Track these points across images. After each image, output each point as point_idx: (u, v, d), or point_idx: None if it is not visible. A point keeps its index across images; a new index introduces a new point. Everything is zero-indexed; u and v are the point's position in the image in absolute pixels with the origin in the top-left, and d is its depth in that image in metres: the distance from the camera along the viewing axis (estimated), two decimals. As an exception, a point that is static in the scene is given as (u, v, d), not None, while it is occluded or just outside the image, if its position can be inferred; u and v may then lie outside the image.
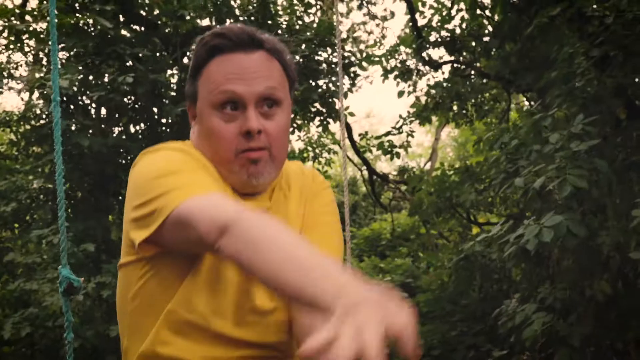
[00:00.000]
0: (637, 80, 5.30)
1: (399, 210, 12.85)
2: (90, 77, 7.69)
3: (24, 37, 7.86)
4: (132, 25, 8.63)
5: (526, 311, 4.71)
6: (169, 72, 8.58)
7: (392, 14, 13.26)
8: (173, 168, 1.34)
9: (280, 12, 8.17)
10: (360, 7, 12.56)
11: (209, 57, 1.45)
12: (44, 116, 7.84)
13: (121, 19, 8.43)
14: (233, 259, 1.13)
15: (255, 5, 7.66)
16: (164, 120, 8.52)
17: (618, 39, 5.05)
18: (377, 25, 16.01)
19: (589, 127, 4.56)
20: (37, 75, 9.48)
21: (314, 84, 7.96)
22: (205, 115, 1.44)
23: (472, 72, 8.70)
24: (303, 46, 7.78)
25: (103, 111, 8.22)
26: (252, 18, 7.77)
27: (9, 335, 6.83)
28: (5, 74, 8.18)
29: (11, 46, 8.17)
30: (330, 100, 8.13)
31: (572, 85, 4.91)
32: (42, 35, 7.85)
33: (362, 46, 11.05)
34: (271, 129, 1.42)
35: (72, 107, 7.56)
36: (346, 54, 7.98)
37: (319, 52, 7.88)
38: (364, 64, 8.37)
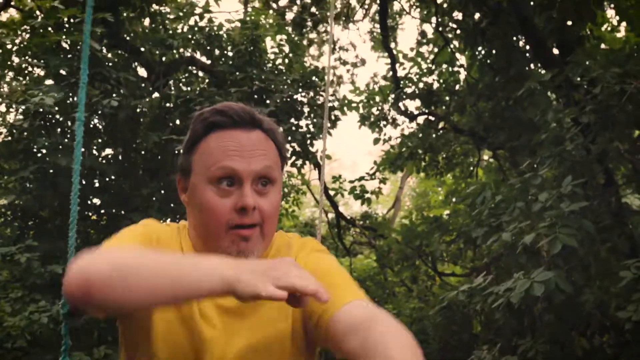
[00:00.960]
0: (618, 146, 5.60)
1: (354, 254, 12.95)
2: (73, 98, 7.61)
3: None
4: (117, 49, 8.63)
5: (508, 362, 4.86)
6: (149, 99, 8.57)
7: (363, 61, 13.59)
8: (117, 237, 1.41)
9: (269, 52, 8.31)
10: (333, 52, 12.85)
11: (207, 132, 1.46)
12: (17, 132, 7.65)
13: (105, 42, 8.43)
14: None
15: (245, 43, 7.77)
16: (137, 146, 8.49)
17: (603, 108, 5.37)
18: (347, 71, 16.31)
19: (577, 189, 4.81)
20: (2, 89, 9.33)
21: (296, 122, 8.08)
22: (199, 189, 1.43)
23: (446, 125, 8.99)
24: (286, 87, 7.93)
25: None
26: (240, 54, 7.88)
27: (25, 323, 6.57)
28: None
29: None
30: (308, 142, 8.25)
31: (562, 148, 5.17)
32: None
33: (338, 89, 11.29)
34: (265, 207, 1.42)
35: (47, 125, 7.42)
36: (330, 98, 8.16)
37: (303, 94, 8.04)
38: (345, 109, 8.56)
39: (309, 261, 1.48)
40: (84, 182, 7.85)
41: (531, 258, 5.05)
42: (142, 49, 8.68)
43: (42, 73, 8.04)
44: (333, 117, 8.25)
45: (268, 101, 7.42)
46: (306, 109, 8.19)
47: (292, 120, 7.91)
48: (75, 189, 2.24)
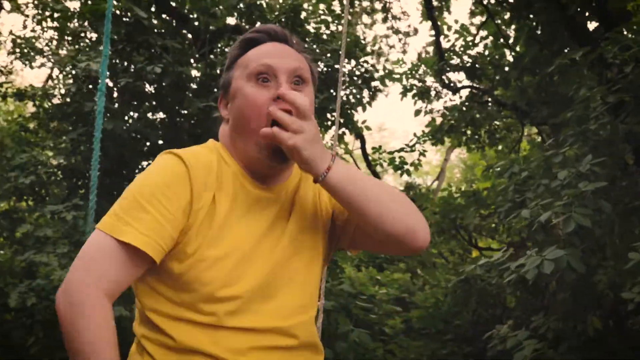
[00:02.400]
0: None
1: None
2: (118, 63, 7.88)
3: (55, 15, 8.06)
4: (163, 15, 8.84)
5: (518, 337, 4.90)
6: (195, 66, 8.77)
7: (416, 30, 13.46)
8: (147, 200, 1.42)
9: (309, 20, 8.36)
10: (385, 20, 12.79)
11: (247, 49, 1.60)
12: (69, 95, 8.00)
13: (153, 9, 8.64)
14: None
15: (286, 10, 7.86)
16: (184, 112, 8.71)
17: (635, 87, 5.25)
18: (400, 40, 16.20)
19: (597, 168, 4.75)
20: (61, 52, 9.72)
21: (334, 93, 8.14)
22: (239, 89, 1.55)
23: (489, 99, 8.89)
24: (328, 55, 7.98)
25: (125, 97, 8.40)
26: (282, 21, 7.97)
27: (14, 303, 7.01)
28: (33, 50, 8.37)
29: (43, 23, 8.39)
30: (348, 111, 8.31)
31: (585, 127, 5.10)
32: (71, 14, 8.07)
33: (382, 60, 11.25)
34: (300, 103, 1.48)
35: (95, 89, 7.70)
36: (368, 68, 8.17)
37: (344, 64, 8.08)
38: (386, 80, 8.55)
39: None
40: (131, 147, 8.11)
41: (549, 236, 5.04)
42: (191, 16, 8.87)
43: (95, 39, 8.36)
44: (373, 89, 8.27)
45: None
46: (347, 79, 8.24)
47: (331, 91, 7.97)
48: (95, 156, 2.42)
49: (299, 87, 1.55)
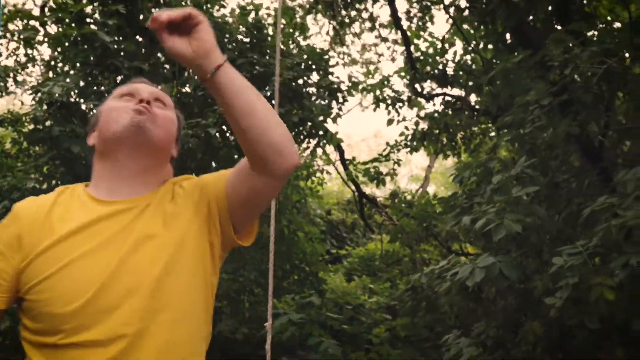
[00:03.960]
0: (597, 129, 5.44)
1: (388, 232, 13.00)
2: (86, 86, 8.00)
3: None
4: (136, 36, 8.95)
5: (460, 344, 4.89)
6: (166, 85, 8.88)
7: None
8: None
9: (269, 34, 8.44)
10: (372, 29, 12.83)
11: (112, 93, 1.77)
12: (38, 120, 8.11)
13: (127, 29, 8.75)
14: None
15: (250, 28, 7.94)
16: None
17: (575, 89, 5.23)
18: (388, 48, 16.17)
19: (529, 171, 4.73)
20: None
21: (305, 103, 8.17)
22: (104, 110, 1.68)
23: (463, 105, 8.87)
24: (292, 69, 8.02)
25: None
26: (247, 39, 8.05)
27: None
28: (9, 77, 8.54)
29: (18, 51, 8.58)
30: (319, 123, 8.34)
31: (517, 132, 5.10)
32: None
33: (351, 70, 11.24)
34: (159, 113, 1.66)
35: (59, 113, 7.80)
36: (334, 79, 8.21)
37: (309, 76, 8.13)
38: (352, 91, 8.56)
39: (195, 178, 1.72)
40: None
41: (489, 242, 5.02)
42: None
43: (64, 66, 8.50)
44: (341, 99, 8.29)
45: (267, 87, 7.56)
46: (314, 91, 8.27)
47: (299, 103, 8.00)
48: None
49: (160, 105, 1.69)
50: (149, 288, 1.48)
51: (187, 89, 8.59)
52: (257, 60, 7.77)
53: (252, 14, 8.14)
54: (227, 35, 7.82)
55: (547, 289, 4.53)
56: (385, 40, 13.43)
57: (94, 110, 1.85)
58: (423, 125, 8.97)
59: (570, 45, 5.45)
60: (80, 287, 1.45)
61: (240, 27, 8.17)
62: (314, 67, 8.28)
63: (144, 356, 1.44)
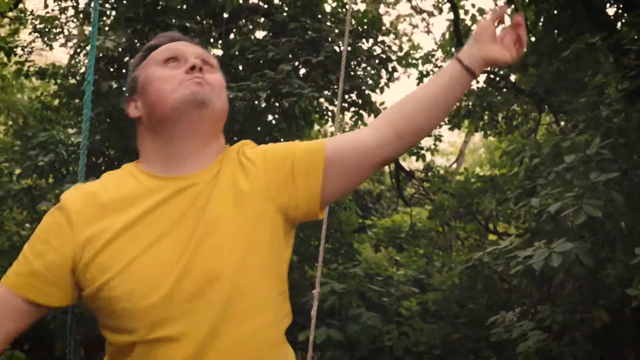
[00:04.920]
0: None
1: (421, 204, 12.96)
2: (137, 42, 7.90)
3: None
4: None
5: (524, 327, 4.88)
6: (214, 45, 8.77)
7: (440, 10, 13.28)
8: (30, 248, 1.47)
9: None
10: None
11: (148, 53, 1.59)
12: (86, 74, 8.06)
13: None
14: None
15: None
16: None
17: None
18: (423, 20, 15.97)
19: (605, 152, 4.66)
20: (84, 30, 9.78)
21: (352, 73, 8.08)
22: (149, 75, 1.52)
23: (506, 85, 8.76)
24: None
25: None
26: (298, 3, 7.92)
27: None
28: (56, 30, 8.43)
29: (62, 3, 8.45)
30: (365, 92, 8.25)
31: (597, 112, 5.02)
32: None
33: (403, 40, 11.11)
34: (210, 78, 1.50)
35: (112, 68, 7.74)
36: (385, 48, 8.09)
37: (360, 43, 8.00)
38: (402, 62, 8.43)
39: (260, 148, 1.59)
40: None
41: (558, 226, 4.98)
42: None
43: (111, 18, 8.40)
44: (390, 69, 8.18)
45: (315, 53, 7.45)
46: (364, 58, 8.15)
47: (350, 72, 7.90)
48: (85, 134, 2.41)
49: (208, 68, 1.54)
50: (229, 273, 1.39)
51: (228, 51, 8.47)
52: (309, 25, 7.64)
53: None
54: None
55: (621, 278, 4.49)
56: (421, 12, 13.25)
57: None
58: (465, 102, 8.86)
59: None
60: (157, 278, 1.36)
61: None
62: (364, 34, 8.15)
63: (227, 343, 1.38)
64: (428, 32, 13.05)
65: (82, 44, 8.12)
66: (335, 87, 7.71)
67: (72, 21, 8.75)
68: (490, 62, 1.62)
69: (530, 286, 5.30)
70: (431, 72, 9.16)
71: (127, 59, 8.06)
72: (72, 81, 8.77)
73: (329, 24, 8.00)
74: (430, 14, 13.22)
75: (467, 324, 8.34)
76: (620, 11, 6.34)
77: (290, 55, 7.46)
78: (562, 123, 8.62)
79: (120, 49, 7.54)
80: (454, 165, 13.67)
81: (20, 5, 9.79)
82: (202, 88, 1.47)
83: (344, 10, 8.35)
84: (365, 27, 8.04)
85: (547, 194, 5.03)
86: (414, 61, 9.14)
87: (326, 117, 8.55)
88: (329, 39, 7.55)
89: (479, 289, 6.24)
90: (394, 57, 8.19)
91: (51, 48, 8.68)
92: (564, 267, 4.38)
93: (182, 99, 1.44)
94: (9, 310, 1.42)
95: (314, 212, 1.52)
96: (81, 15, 8.68)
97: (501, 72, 9.06)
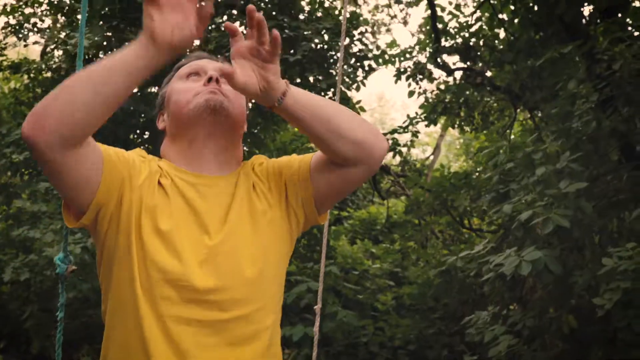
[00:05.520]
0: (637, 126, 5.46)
1: (397, 196, 13.04)
2: (112, 38, 7.86)
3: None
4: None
5: (495, 331, 5.00)
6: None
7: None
8: None
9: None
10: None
11: (176, 71, 1.74)
12: (61, 70, 8.01)
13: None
14: None
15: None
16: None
17: (622, 84, 5.22)
18: (401, 10, 15.93)
19: (574, 165, 4.77)
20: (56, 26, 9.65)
21: (332, 72, 8.09)
22: (172, 89, 1.67)
23: (482, 80, 8.84)
24: (323, 33, 7.91)
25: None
26: (275, 1, 7.91)
27: (8, 278, 7.13)
28: (28, 26, 8.34)
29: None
30: (342, 90, 8.28)
31: (568, 124, 5.11)
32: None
33: (378, 37, 11.08)
34: (226, 88, 1.61)
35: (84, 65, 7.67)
36: (361, 47, 8.13)
37: (336, 42, 8.00)
38: (380, 60, 8.43)
39: (264, 166, 1.72)
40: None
41: (529, 233, 5.09)
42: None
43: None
44: (367, 67, 8.22)
45: (293, 51, 7.46)
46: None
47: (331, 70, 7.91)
48: None
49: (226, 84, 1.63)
50: (242, 281, 1.52)
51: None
52: (287, 24, 7.64)
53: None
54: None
55: (589, 286, 4.62)
56: (399, 1, 13.24)
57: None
58: (441, 97, 8.92)
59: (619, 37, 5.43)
60: (181, 257, 1.48)
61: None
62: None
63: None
64: (405, 23, 13.03)
65: (56, 39, 8.04)
66: (314, 84, 7.74)
67: (45, 14, 8.62)
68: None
69: (502, 290, 5.41)
70: (409, 69, 9.21)
71: (102, 55, 8.00)
72: (47, 75, 8.69)
73: (305, 21, 7.99)
74: (408, 4, 13.23)
75: (441, 318, 8.47)
76: (595, 15, 6.40)
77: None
78: (536, 120, 8.73)
79: (95, 46, 7.49)
80: (431, 158, 13.76)
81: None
82: (215, 96, 1.60)
83: (320, 8, 8.35)
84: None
85: (518, 200, 5.14)
86: (392, 58, 9.16)
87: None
88: (306, 37, 7.56)
89: (454, 290, 6.35)
90: (370, 55, 8.21)
91: (26, 45, 8.57)
92: (532, 274, 4.49)
93: (197, 107, 1.59)
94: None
95: (314, 218, 1.68)
96: (53, 10, 8.56)
97: (477, 68, 9.14)
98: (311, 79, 7.60)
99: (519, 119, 9.74)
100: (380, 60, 8.85)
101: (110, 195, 1.49)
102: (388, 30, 12.16)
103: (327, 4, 8.48)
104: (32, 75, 8.70)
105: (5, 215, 8.19)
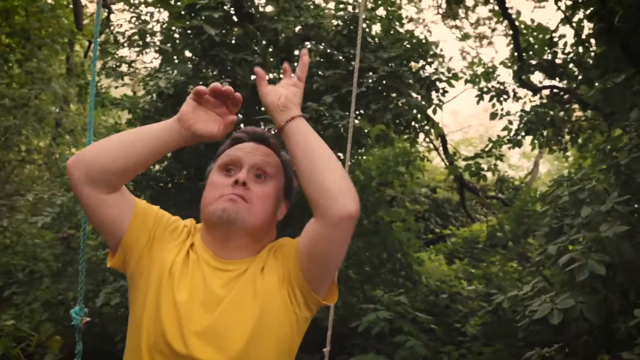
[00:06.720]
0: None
1: (494, 214, 12.64)
2: (193, 76, 8.25)
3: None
4: (242, 22, 9.07)
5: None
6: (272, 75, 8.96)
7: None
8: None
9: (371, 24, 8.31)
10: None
11: (232, 145, 1.90)
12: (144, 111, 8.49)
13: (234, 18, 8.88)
14: None
15: (346, 18, 7.89)
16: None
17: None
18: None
19: (620, 208, 4.51)
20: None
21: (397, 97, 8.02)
22: (208, 181, 1.84)
23: (571, 98, 8.44)
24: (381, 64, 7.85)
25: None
26: (345, 31, 7.99)
27: (101, 302, 7.70)
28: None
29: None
30: (418, 115, 8.21)
31: (616, 161, 4.83)
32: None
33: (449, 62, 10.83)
34: (256, 190, 1.78)
35: (168, 104, 8.10)
36: (432, 70, 8.03)
37: (408, 66, 7.96)
38: (452, 81, 8.23)
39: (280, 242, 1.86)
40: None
41: (572, 277, 4.85)
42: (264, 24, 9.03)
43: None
44: (441, 90, 8.09)
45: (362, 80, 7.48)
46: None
47: (394, 94, 7.85)
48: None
49: (259, 179, 1.82)
50: (237, 349, 1.65)
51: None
52: (354, 55, 7.69)
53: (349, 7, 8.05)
54: (323, 32, 7.79)
55: (630, 334, 4.36)
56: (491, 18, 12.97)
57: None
58: (524, 119, 8.60)
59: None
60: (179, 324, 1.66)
61: (336, 21, 8.12)
62: (415, 55, 8.09)
63: None
64: (507, 35, 12.60)
65: (147, 78, 8.58)
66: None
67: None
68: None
69: (546, 335, 5.20)
70: (492, 89, 8.96)
71: (188, 92, 8.42)
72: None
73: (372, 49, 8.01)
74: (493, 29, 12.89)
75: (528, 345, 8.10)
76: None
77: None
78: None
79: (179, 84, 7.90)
80: (529, 177, 13.23)
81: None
82: (234, 205, 1.74)
83: (392, 32, 8.31)
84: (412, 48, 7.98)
85: (564, 240, 4.93)
86: (474, 78, 8.95)
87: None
88: (372, 66, 7.60)
89: (503, 330, 6.14)
90: (443, 78, 8.07)
91: (116, 88, 9.24)
92: (565, 321, 4.30)
93: (213, 214, 1.74)
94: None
95: (311, 297, 1.76)
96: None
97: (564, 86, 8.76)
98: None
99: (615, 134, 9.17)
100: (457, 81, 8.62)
101: (138, 241, 1.75)
102: (480, 61, 11.79)
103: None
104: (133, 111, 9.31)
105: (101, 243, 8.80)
